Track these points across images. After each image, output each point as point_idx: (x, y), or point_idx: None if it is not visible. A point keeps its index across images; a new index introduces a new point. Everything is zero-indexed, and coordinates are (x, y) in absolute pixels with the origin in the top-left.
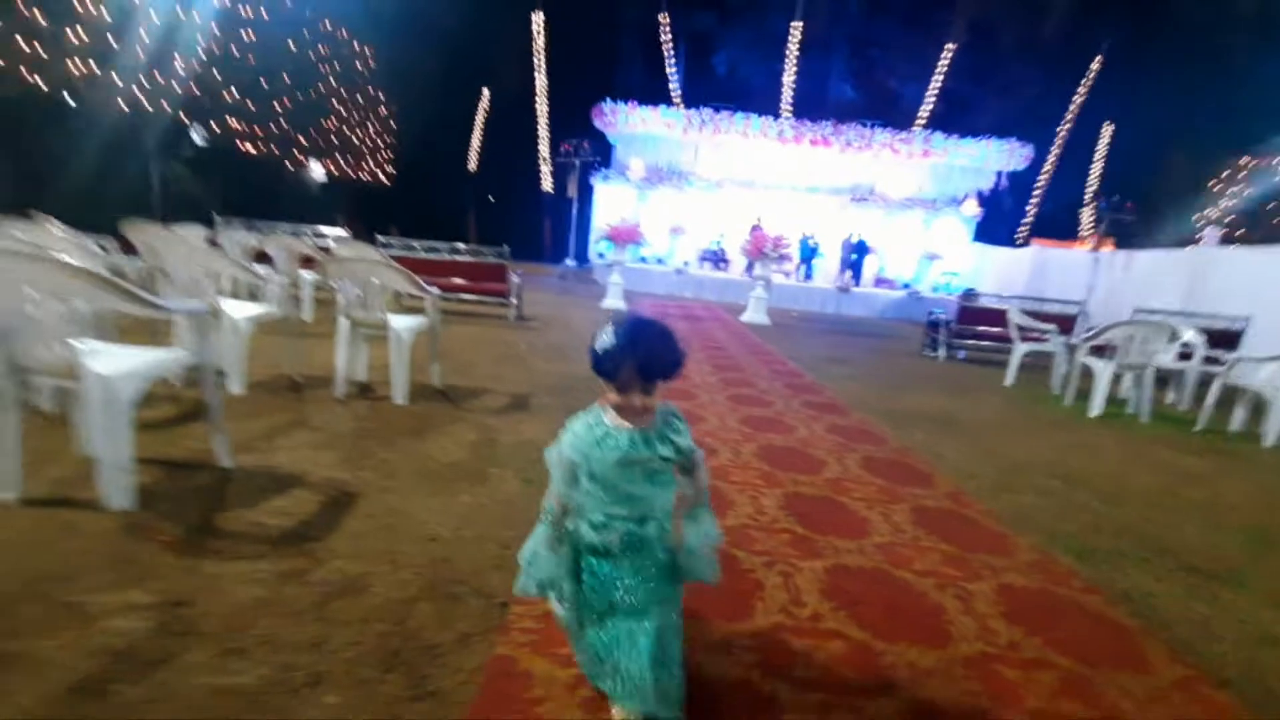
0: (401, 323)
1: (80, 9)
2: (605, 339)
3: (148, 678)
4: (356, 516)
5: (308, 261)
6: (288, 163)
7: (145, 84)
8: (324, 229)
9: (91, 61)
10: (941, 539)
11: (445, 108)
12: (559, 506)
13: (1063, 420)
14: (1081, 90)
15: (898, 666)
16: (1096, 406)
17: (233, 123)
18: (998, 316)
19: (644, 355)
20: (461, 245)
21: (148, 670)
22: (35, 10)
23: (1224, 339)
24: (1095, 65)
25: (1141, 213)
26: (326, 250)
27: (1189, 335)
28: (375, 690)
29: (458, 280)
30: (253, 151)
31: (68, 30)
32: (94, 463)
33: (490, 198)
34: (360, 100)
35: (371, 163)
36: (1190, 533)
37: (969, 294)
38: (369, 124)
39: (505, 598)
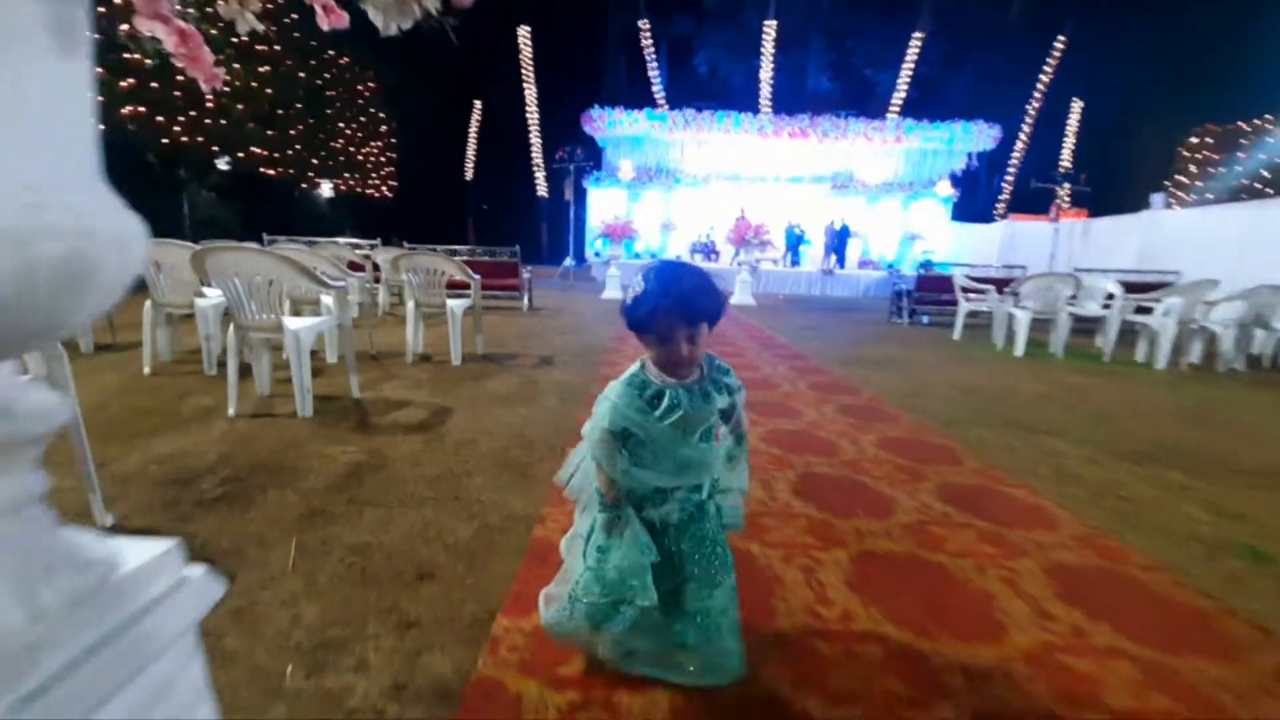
0: (455, 303)
1: (127, 58)
2: (638, 288)
3: (371, 478)
4: (455, 418)
5: (354, 267)
6: (302, 184)
7: (180, 119)
8: (358, 240)
9: (139, 105)
10: (852, 422)
11: (440, 122)
12: (609, 485)
13: (990, 360)
14: (1048, 69)
15: (811, 474)
16: (1019, 348)
17: (253, 149)
18: (950, 283)
19: (682, 296)
20: (479, 248)
21: (370, 474)
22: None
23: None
24: (1060, 44)
25: (1110, 182)
26: (367, 257)
27: (1112, 287)
28: (498, 478)
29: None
30: (271, 174)
31: (119, 80)
32: (272, 396)
33: (484, 206)
34: (363, 120)
35: (375, 178)
36: (1039, 414)
37: (927, 265)
38: (372, 142)
39: (559, 446)
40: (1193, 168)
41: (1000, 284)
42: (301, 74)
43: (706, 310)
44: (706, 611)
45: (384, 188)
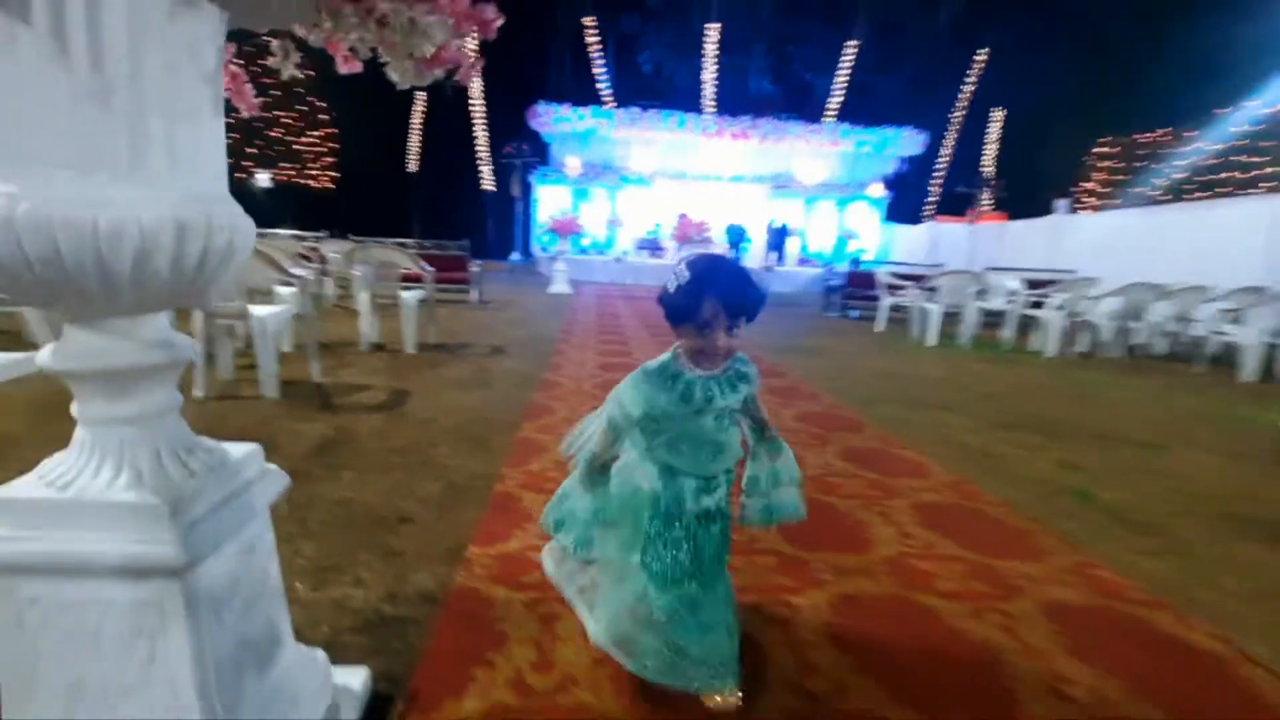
0: (408, 294)
1: None
2: (682, 277)
3: (343, 448)
4: (415, 399)
5: (303, 258)
6: (237, 174)
7: None
8: (302, 233)
9: None
10: (778, 400)
11: (382, 112)
12: (603, 450)
13: (906, 349)
14: (971, 79)
15: None
16: (931, 338)
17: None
18: (875, 279)
19: (727, 287)
20: (427, 242)
21: (341, 446)
22: None
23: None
24: (982, 57)
25: (1028, 187)
26: (314, 249)
27: (1014, 284)
28: (460, 448)
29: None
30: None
31: None
32: (236, 381)
33: (428, 199)
34: (302, 109)
35: (315, 168)
36: (937, 394)
37: (856, 262)
38: (311, 131)
39: (514, 423)
40: (1098, 175)
41: (918, 281)
42: None
43: (749, 304)
44: (713, 613)
45: (324, 178)
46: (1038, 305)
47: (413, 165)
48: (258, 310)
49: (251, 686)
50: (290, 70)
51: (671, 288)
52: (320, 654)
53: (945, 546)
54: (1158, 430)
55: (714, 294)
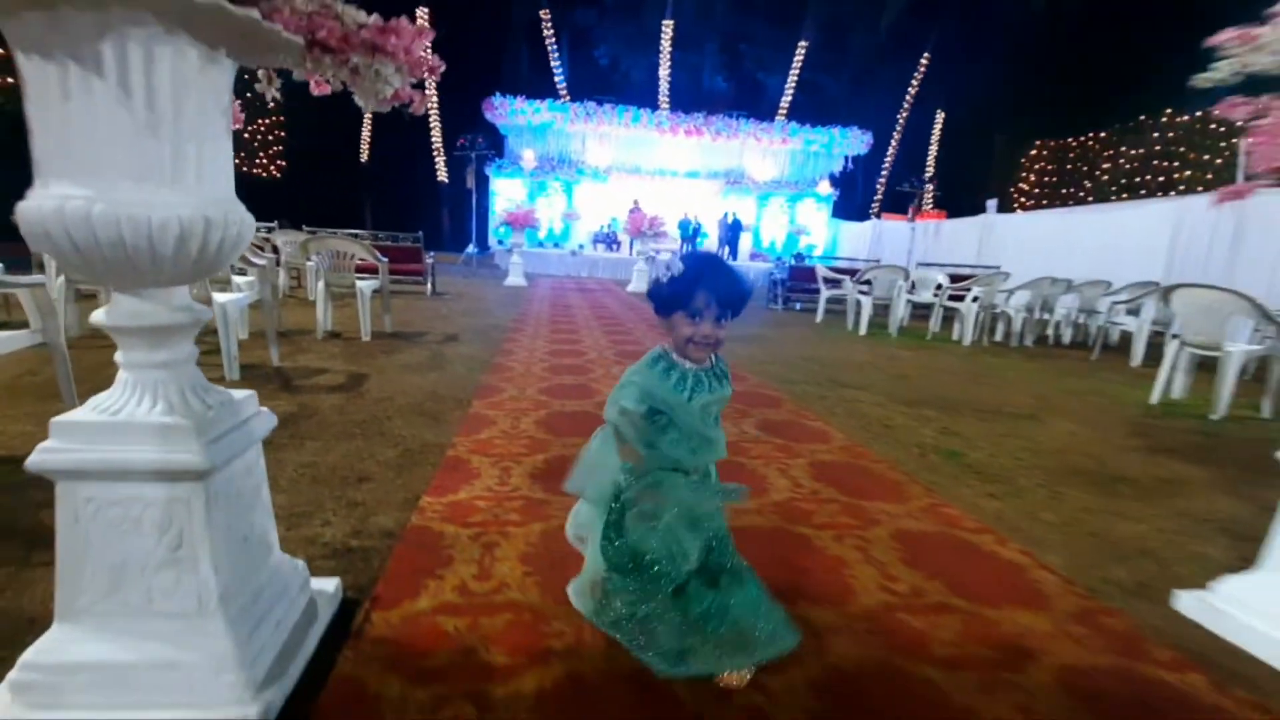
0: (364, 284)
1: None
2: (675, 269)
3: (306, 422)
4: (371, 381)
5: (256, 248)
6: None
7: None
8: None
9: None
10: None
11: (331, 102)
12: (637, 457)
13: (838, 338)
14: (915, 82)
15: None
16: (863, 328)
17: None
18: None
19: (720, 281)
20: (380, 233)
21: (304, 420)
22: None
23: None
24: (924, 61)
25: (967, 187)
26: (267, 239)
27: (941, 279)
28: (415, 421)
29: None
30: None
31: None
32: (198, 364)
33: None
34: (248, 95)
35: (263, 157)
36: (855, 376)
37: (799, 257)
38: (258, 119)
39: (466, 400)
40: (1031, 177)
41: (853, 275)
42: None
43: (736, 297)
44: (729, 595)
45: (272, 168)
46: (958, 298)
47: (364, 155)
48: (219, 296)
49: (252, 576)
50: (273, 94)
51: (665, 279)
52: (301, 563)
53: (828, 493)
54: (1037, 405)
55: (707, 286)
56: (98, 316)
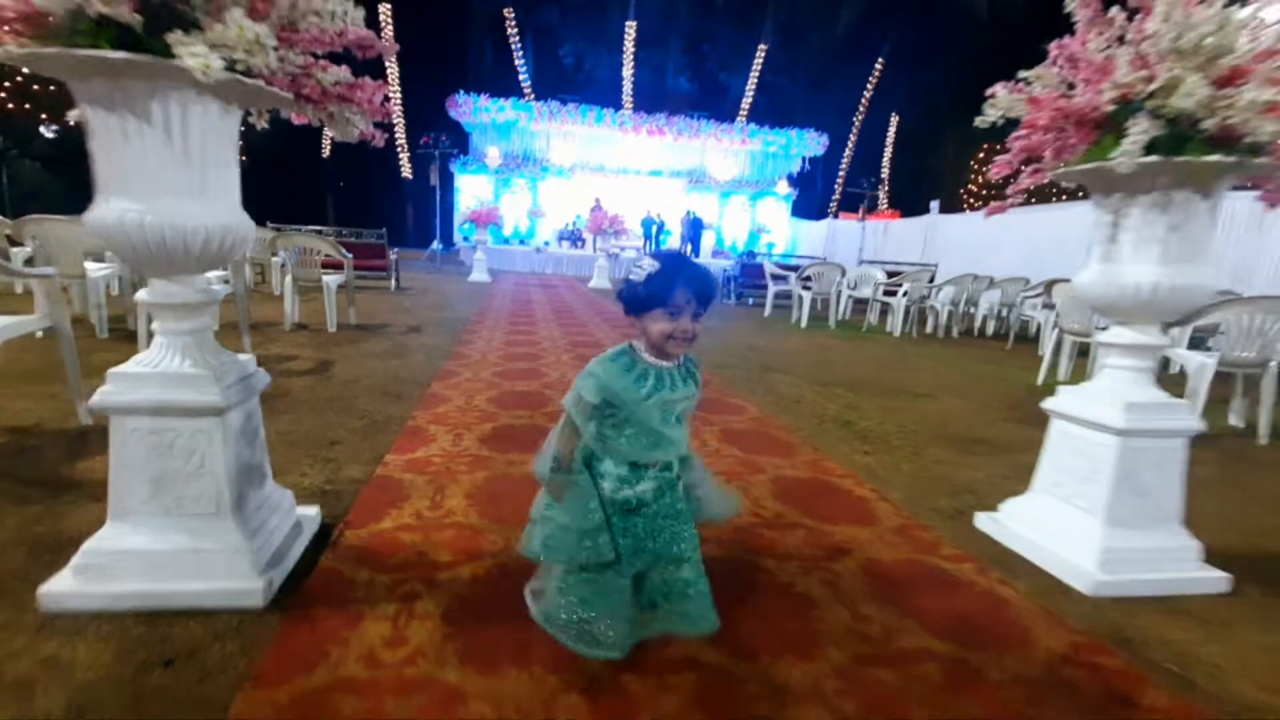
0: (330, 278)
1: None
2: (650, 268)
3: (279, 400)
4: (339, 366)
5: None
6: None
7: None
8: None
9: None
10: None
11: None
12: (568, 450)
13: (781, 330)
14: (870, 86)
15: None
16: (803, 321)
17: None
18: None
19: (697, 277)
20: (345, 230)
21: (278, 398)
22: None
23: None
24: (879, 66)
25: (920, 188)
26: None
27: (879, 275)
28: (379, 399)
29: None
30: None
31: None
32: None
33: (340, 184)
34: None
35: None
36: (784, 361)
37: (750, 254)
38: None
39: (426, 382)
40: (979, 178)
41: (796, 271)
42: None
43: (711, 293)
44: (675, 583)
45: None
46: (891, 293)
47: (326, 152)
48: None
49: (254, 492)
50: (263, 124)
51: (640, 278)
52: (289, 492)
53: (731, 451)
54: (936, 386)
55: (685, 283)
56: (141, 295)
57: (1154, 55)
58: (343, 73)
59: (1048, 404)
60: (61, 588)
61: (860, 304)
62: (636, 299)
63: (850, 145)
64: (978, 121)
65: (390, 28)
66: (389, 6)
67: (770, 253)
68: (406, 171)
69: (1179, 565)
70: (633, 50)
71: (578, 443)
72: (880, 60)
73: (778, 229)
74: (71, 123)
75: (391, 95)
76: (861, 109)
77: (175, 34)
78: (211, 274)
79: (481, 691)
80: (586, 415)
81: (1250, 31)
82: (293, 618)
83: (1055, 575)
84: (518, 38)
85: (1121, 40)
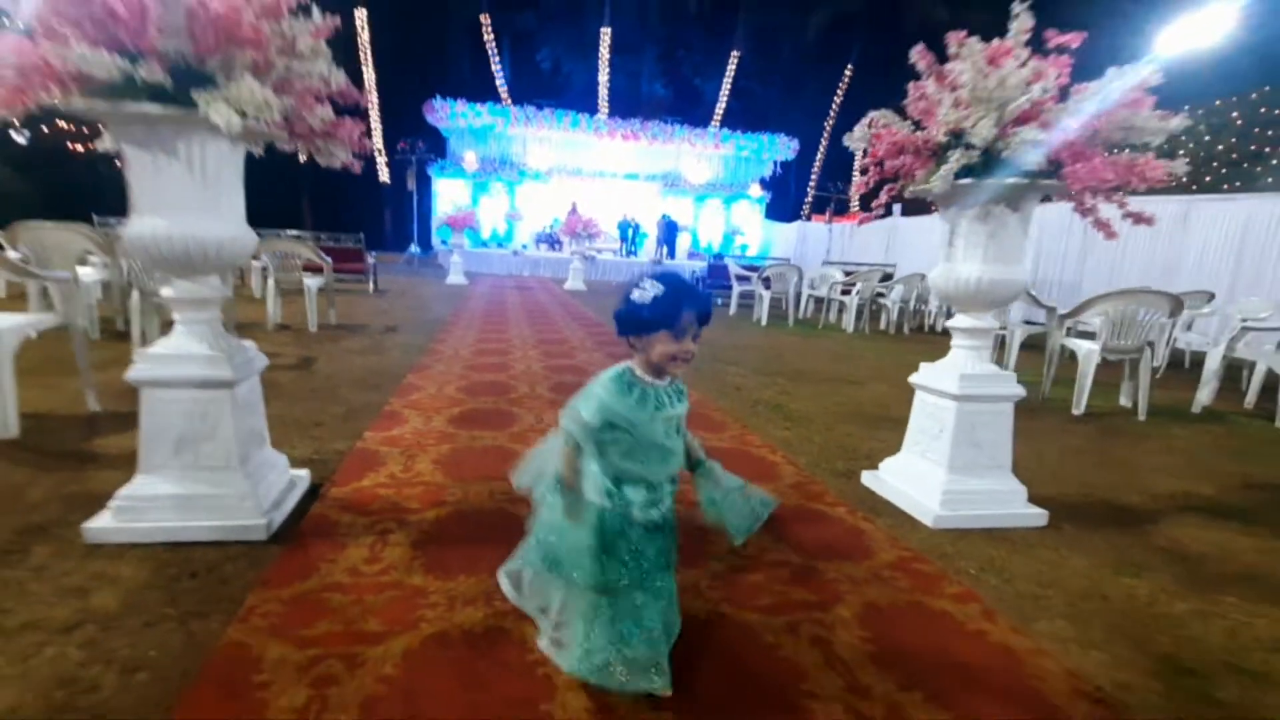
0: (311, 281)
1: None
2: (655, 290)
3: (267, 390)
4: (320, 362)
5: None
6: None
7: None
8: None
9: None
10: (613, 360)
11: None
12: (571, 469)
13: (742, 327)
14: (840, 93)
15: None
16: (763, 319)
17: (60, 122)
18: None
19: (699, 299)
20: (323, 234)
21: (266, 389)
22: None
23: (884, 279)
24: (848, 72)
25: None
26: None
27: (838, 276)
28: (358, 389)
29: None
30: (81, 150)
31: None
32: None
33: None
34: None
35: None
36: (737, 355)
37: (718, 255)
38: None
39: (402, 375)
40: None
41: (758, 272)
42: None
43: (709, 313)
44: (671, 595)
45: None
46: (846, 292)
47: (302, 155)
48: None
49: (256, 451)
50: (259, 152)
51: (646, 299)
52: (284, 456)
53: None
54: (870, 375)
55: (690, 306)
56: (166, 291)
57: (965, 100)
58: (327, 113)
59: (912, 378)
60: (102, 524)
61: (822, 303)
62: (639, 321)
63: (822, 150)
64: (845, 141)
65: (366, 33)
66: (364, 12)
67: (744, 254)
68: (384, 176)
69: (1006, 504)
70: (608, 56)
71: (579, 463)
72: (849, 67)
73: (751, 231)
74: (100, 150)
75: (368, 131)
76: (832, 114)
77: (201, 92)
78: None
79: (439, 590)
80: (589, 436)
81: (1024, 86)
82: (290, 547)
83: (909, 513)
84: (494, 43)
85: (954, 88)
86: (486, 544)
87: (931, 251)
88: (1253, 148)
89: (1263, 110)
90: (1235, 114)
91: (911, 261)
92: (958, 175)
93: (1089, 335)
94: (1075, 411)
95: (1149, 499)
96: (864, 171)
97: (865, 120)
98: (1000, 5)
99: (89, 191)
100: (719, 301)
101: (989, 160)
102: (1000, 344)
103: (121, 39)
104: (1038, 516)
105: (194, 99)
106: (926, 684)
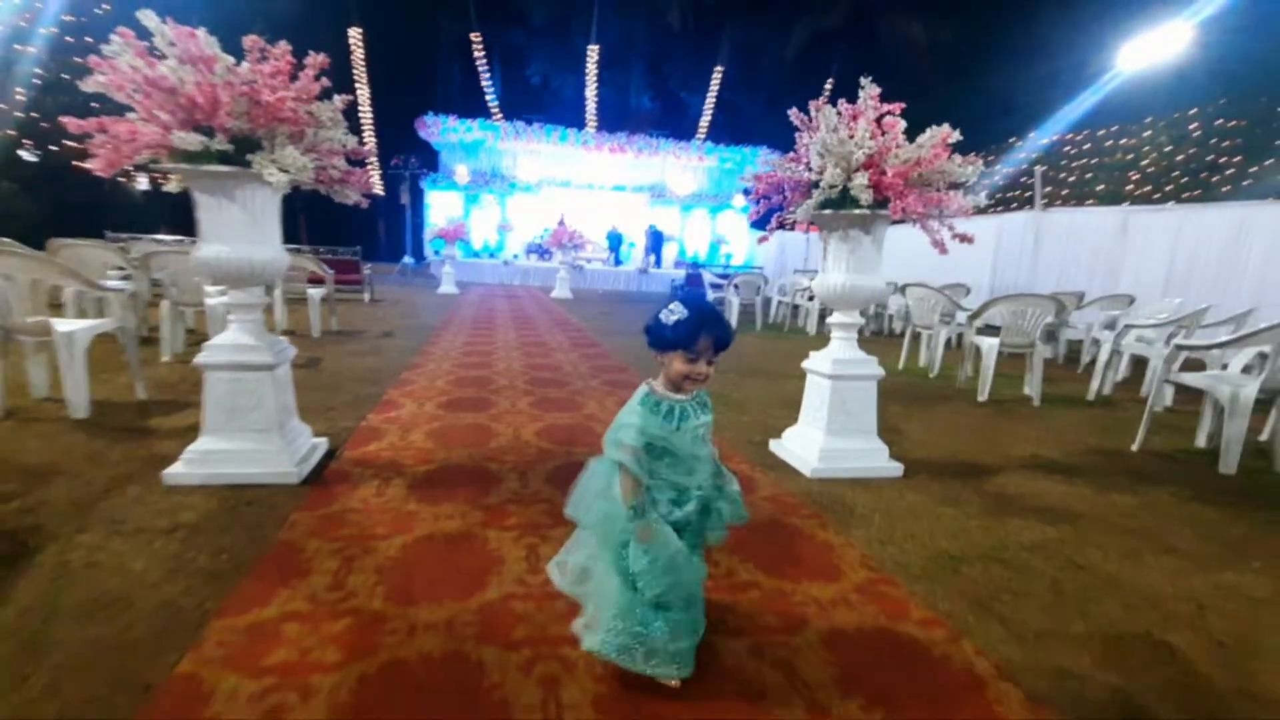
0: (313, 291)
1: None
2: (679, 314)
3: None
4: (325, 362)
5: None
6: (119, 178)
7: None
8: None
9: None
10: (580, 356)
11: None
12: (634, 492)
13: None
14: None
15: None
16: (733, 323)
17: (67, 142)
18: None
19: (719, 324)
20: (321, 247)
21: None
22: None
23: None
24: (828, 87)
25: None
26: None
27: (807, 283)
28: (359, 385)
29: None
30: (85, 168)
31: None
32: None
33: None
34: None
35: None
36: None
37: (694, 265)
38: None
39: (398, 372)
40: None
41: (730, 279)
42: None
43: (728, 341)
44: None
45: None
46: (812, 298)
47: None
48: (210, 300)
49: (288, 420)
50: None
51: (670, 321)
52: (308, 426)
53: (610, 410)
54: None
55: (709, 333)
56: (224, 299)
57: (822, 151)
58: (343, 163)
59: (804, 364)
60: (176, 471)
61: (797, 309)
62: (663, 339)
63: None
64: (739, 180)
65: (361, 51)
66: (359, 31)
67: (728, 263)
68: (379, 189)
69: (870, 460)
70: (596, 71)
71: (642, 488)
72: (830, 81)
73: (737, 240)
74: (169, 188)
75: (374, 180)
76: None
77: (254, 156)
78: (212, 287)
79: (427, 514)
80: (636, 458)
81: (864, 143)
82: (316, 488)
83: (795, 468)
84: (485, 60)
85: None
86: (464, 486)
87: (891, 260)
88: (1209, 158)
89: (1218, 122)
90: (1193, 125)
91: (885, 270)
92: (821, 206)
93: (996, 331)
94: (980, 399)
95: (1001, 460)
96: (756, 201)
97: (763, 160)
98: (970, 20)
99: (94, 209)
100: None
101: (844, 196)
102: (925, 341)
103: (199, 120)
104: (895, 469)
105: (248, 160)
106: (762, 562)
